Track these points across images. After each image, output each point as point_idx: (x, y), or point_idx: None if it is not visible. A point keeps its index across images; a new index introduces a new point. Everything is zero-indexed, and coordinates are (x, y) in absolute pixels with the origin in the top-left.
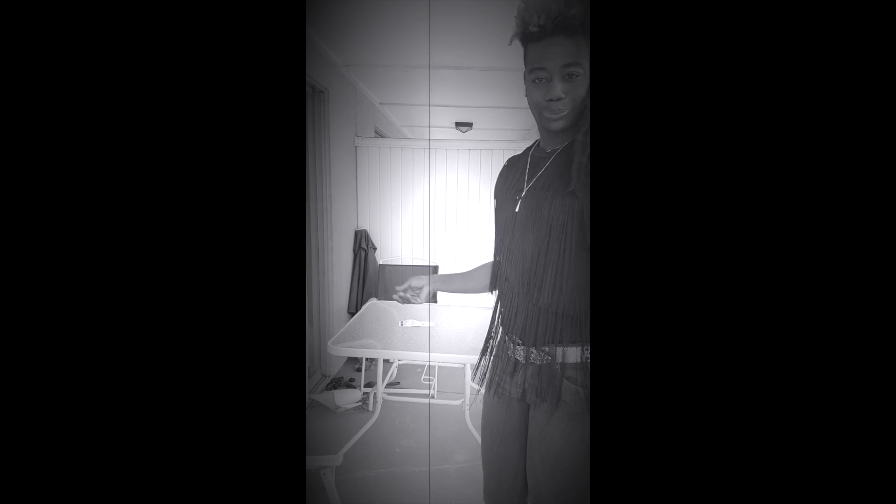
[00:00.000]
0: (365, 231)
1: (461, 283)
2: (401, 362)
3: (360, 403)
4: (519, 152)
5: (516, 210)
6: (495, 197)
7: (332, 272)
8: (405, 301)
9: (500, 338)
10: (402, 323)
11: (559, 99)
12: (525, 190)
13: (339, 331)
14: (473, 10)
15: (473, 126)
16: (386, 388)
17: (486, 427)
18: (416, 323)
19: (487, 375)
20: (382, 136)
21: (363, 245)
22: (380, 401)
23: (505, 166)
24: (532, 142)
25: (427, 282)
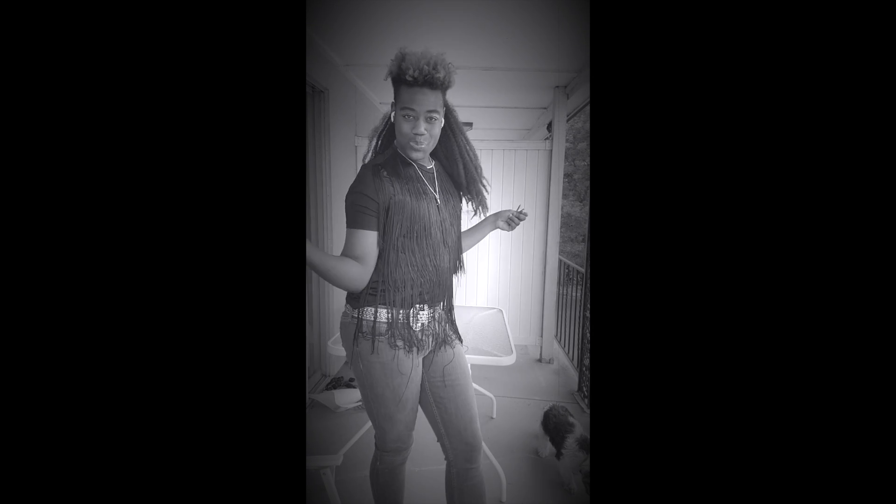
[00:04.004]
0: None
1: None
2: None
3: (360, 403)
4: (379, 161)
5: (440, 211)
6: (373, 200)
7: None
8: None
9: (394, 307)
10: None
11: (422, 134)
12: (438, 197)
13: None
14: (474, 10)
15: (473, 126)
16: None
17: (388, 382)
18: None
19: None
20: None
21: None
22: None
23: (381, 175)
24: (386, 155)
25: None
